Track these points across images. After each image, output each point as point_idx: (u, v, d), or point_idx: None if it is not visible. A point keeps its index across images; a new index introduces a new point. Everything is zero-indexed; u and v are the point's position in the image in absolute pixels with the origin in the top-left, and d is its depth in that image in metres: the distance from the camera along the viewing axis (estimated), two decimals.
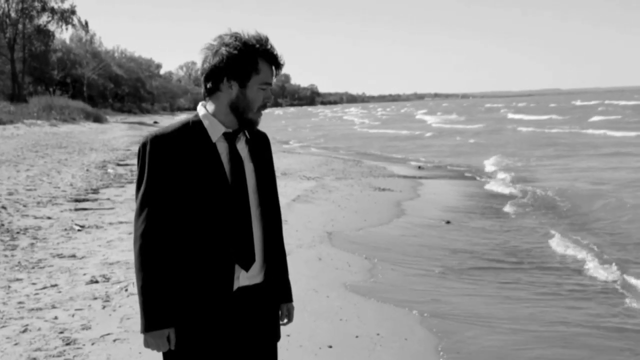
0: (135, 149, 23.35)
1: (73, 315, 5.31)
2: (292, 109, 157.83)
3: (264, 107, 2.43)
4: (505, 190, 14.13)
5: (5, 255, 7.28)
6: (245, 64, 2.34)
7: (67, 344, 4.69)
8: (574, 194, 12.92)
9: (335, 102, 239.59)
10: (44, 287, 6.09)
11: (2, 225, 8.87)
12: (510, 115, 63.05)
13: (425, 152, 25.92)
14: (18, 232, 8.45)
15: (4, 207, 10.12)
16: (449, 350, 4.95)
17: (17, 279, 6.36)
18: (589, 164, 19.08)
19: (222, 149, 2.39)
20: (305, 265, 7.07)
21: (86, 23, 63.29)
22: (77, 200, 11.16)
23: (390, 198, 12.38)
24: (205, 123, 2.39)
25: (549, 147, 25.70)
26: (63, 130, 34.12)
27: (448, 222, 10.20)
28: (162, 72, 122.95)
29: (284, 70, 2.48)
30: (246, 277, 2.42)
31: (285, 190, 12.37)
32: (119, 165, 17.61)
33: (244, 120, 2.41)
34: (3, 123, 31.14)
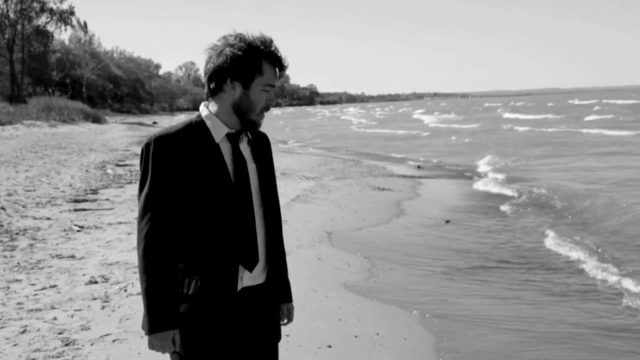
0: (135, 149, 23.42)
1: (72, 316, 5.31)
2: (290, 109, 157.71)
3: (267, 108, 2.42)
4: (500, 190, 14.10)
5: (5, 256, 7.28)
6: (249, 65, 2.33)
7: (66, 345, 4.68)
8: (571, 193, 12.94)
9: (334, 102, 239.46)
10: (43, 288, 6.08)
11: (2, 226, 8.86)
12: (507, 115, 63.07)
13: (422, 152, 25.91)
14: (17, 233, 8.45)
15: (3, 208, 10.12)
16: (449, 349, 4.95)
17: (17, 280, 6.35)
18: (584, 163, 19.10)
19: (226, 149, 2.39)
20: (305, 265, 7.07)
21: (85, 24, 63.30)
22: (76, 201, 11.15)
23: (389, 198, 12.39)
24: (208, 123, 2.39)
25: (543, 147, 25.71)
26: (62, 131, 34.10)
27: (447, 222, 10.21)
28: (161, 72, 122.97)
29: None
30: (249, 278, 2.42)
31: (285, 190, 12.37)
32: (118, 165, 17.60)
33: (246, 122, 2.41)
34: (2, 124, 31.11)
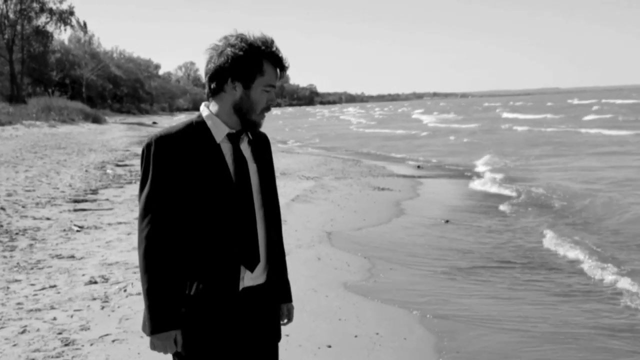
0: (134, 149, 23.41)
1: (72, 316, 5.30)
2: (290, 109, 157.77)
3: (268, 109, 2.42)
4: (500, 190, 14.10)
5: (4, 256, 7.27)
6: (250, 65, 2.33)
7: (66, 345, 4.68)
8: (570, 193, 12.94)
9: (334, 102, 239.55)
10: (43, 288, 6.08)
11: (1, 226, 8.86)
12: (506, 115, 63.08)
13: (421, 152, 25.91)
14: (17, 233, 8.44)
15: (2, 208, 10.11)
16: (449, 349, 4.94)
17: (16, 280, 6.35)
18: (583, 163, 19.10)
19: (226, 149, 2.39)
20: (305, 265, 7.07)
21: (85, 24, 63.29)
22: (76, 201, 11.15)
23: (389, 197, 12.38)
24: (209, 123, 2.39)
25: (542, 146, 25.71)
26: (62, 131, 34.10)
27: (447, 222, 10.20)
28: (160, 72, 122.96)
29: None
30: (250, 278, 2.42)
31: (285, 190, 12.37)
32: (118, 165, 17.60)
33: (247, 122, 2.40)
34: (2, 124, 31.11)
